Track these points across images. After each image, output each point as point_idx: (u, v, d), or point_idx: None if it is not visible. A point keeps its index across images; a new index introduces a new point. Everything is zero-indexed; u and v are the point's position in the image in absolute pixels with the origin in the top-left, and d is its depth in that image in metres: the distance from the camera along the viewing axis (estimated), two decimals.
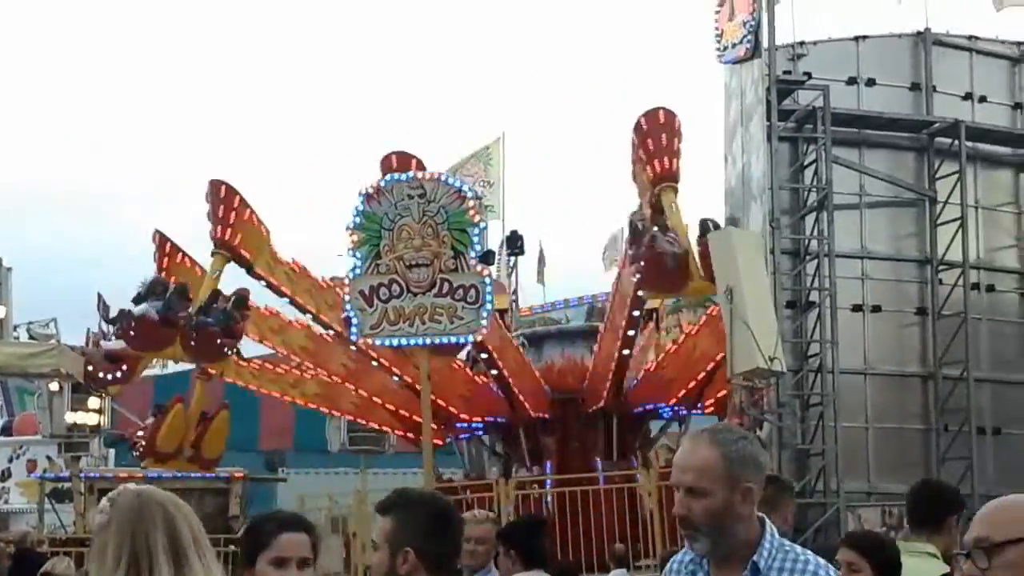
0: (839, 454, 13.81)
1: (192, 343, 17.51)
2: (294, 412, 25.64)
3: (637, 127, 16.41)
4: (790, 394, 14.00)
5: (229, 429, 19.90)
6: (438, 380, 18.55)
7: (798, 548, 3.48)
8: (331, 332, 19.63)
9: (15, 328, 23.44)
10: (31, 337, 24.14)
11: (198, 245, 19.66)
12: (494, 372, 18.48)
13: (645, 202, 16.43)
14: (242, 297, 18.09)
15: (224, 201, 17.89)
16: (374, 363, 18.77)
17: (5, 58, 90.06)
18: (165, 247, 19.96)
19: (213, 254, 17.78)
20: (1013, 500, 2.69)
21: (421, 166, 17.03)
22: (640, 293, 16.81)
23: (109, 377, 19.71)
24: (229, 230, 17.79)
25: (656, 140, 16.18)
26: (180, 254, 19.95)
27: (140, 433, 19.84)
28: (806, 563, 3.38)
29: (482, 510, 7.03)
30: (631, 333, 18.02)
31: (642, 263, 15.72)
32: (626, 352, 18.19)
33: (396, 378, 18.62)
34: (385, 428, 21.37)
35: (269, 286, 18.79)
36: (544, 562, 6.53)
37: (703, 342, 17.79)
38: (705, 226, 15.24)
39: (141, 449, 19.33)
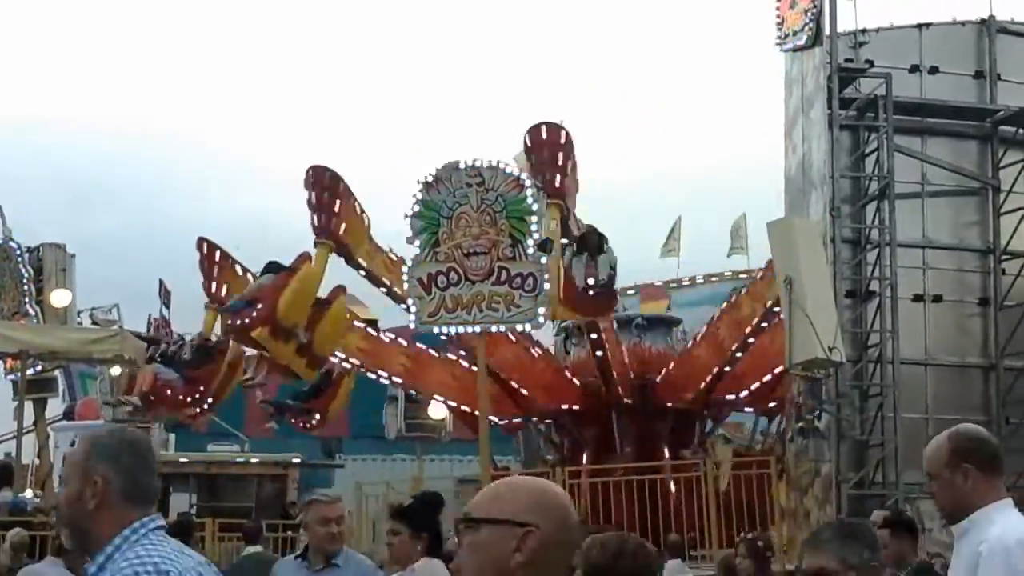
0: (899, 445, 13.68)
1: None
2: (351, 398, 25.75)
3: (525, 141, 16.22)
4: (849, 384, 13.89)
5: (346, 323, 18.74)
6: (520, 369, 18.66)
7: None
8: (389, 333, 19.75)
9: (78, 314, 23.71)
10: (94, 323, 24.42)
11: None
12: (598, 353, 18.46)
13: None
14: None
15: (329, 188, 17.47)
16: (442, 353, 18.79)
17: (71, 45, 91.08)
18: (213, 256, 19.66)
19: (316, 244, 17.29)
20: None
21: (570, 138, 16.85)
22: (763, 325, 16.87)
23: (187, 399, 19.71)
24: (334, 218, 17.47)
25: (540, 155, 16.03)
26: (230, 261, 19.64)
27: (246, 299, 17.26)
28: None
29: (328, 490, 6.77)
30: (751, 341, 17.98)
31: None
32: (739, 355, 18.21)
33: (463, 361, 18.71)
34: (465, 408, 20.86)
35: (368, 276, 18.67)
36: (441, 546, 6.24)
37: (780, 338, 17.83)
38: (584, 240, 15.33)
39: (251, 318, 16.61)
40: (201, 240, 19.36)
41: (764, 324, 17.16)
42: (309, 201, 17.44)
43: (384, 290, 18.99)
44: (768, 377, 18.34)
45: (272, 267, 17.36)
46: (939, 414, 14.46)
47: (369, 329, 19.34)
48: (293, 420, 21.48)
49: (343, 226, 17.57)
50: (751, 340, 17.76)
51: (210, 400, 19.83)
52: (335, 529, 6.41)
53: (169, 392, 19.16)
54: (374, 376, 20.14)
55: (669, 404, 19.35)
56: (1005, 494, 4.35)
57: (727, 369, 18.45)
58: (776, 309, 15.58)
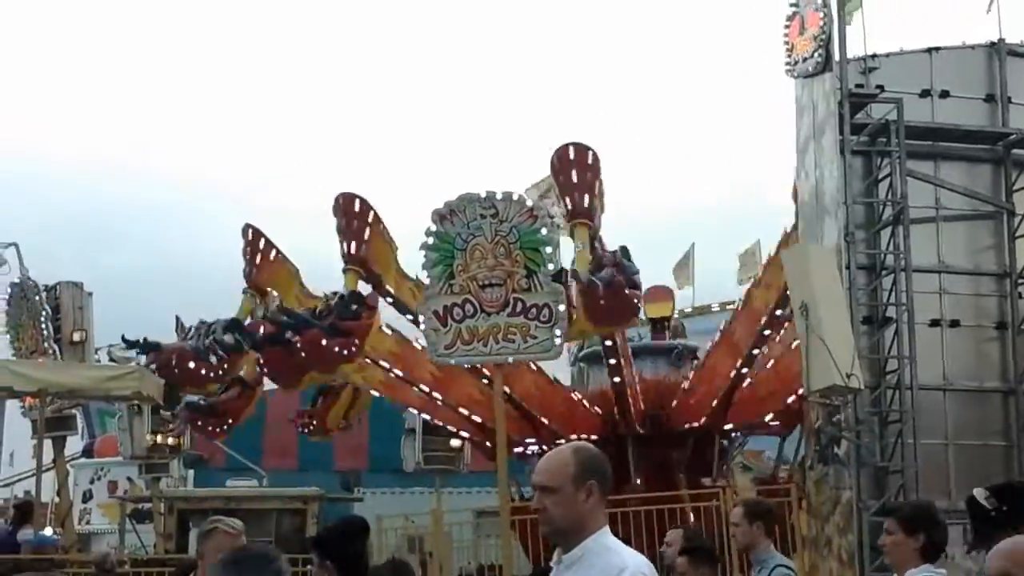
0: (919, 471, 13.62)
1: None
2: (368, 431, 25.79)
3: (552, 163, 16.24)
4: (868, 411, 13.84)
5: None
6: (540, 398, 18.64)
7: None
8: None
9: (96, 351, 23.77)
10: (111, 360, 24.49)
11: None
12: (616, 380, 18.49)
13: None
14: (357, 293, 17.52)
15: (358, 215, 17.62)
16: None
17: (82, 81, 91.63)
18: (258, 243, 19.67)
19: (345, 271, 17.46)
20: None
21: (597, 159, 16.85)
22: (779, 313, 16.78)
23: (210, 375, 19.83)
24: (363, 246, 17.56)
25: (567, 177, 16.04)
26: (273, 250, 19.71)
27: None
28: None
29: (233, 518, 6.32)
30: (755, 352, 17.96)
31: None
32: (744, 371, 18.17)
33: (486, 381, 18.67)
34: (453, 429, 20.94)
35: (395, 303, 18.69)
36: (364, 573, 5.92)
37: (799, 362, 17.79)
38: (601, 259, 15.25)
39: (311, 428, 21.41)
40: (248, 227, 19.55)
41: (779, 312, 17.00)
42: (338, 227, 17.58)
43: (410, 318, 19.02)
44: (791, 399, 18.30)
45: (233, 324, 17.65)
46: (959, 439, 14.41)
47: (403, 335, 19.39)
48: (201, 424, 21.07)
49: (372, 251, 17.70)
50: (767, 332, 17.64)
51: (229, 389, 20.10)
52: None
53: (193, 365, 18.80)
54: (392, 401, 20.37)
55: (685, 425, 19.26)
56: (606, 521, 4.28)
57: (745, 371, 18.29)
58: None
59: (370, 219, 17.70)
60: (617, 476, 17.56)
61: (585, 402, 20.02)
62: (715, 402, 18.68)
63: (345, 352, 17.19)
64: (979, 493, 5.22)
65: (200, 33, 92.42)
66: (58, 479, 22.17)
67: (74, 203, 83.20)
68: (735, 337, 18.66)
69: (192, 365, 18.83)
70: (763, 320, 17.49)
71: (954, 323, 14.67)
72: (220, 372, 19.60)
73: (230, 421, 20.76)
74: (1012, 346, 14.85)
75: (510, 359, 15.02)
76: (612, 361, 18.22)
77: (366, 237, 17.59)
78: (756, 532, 7.31)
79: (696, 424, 19.12)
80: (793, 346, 18.72)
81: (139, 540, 24.04)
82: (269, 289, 19.76)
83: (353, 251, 17.54)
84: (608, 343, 18.00)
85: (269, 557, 3.76)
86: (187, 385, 20.12)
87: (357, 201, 17.66)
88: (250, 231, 19.48)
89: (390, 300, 18.57)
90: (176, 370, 18.99)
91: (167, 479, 24.24)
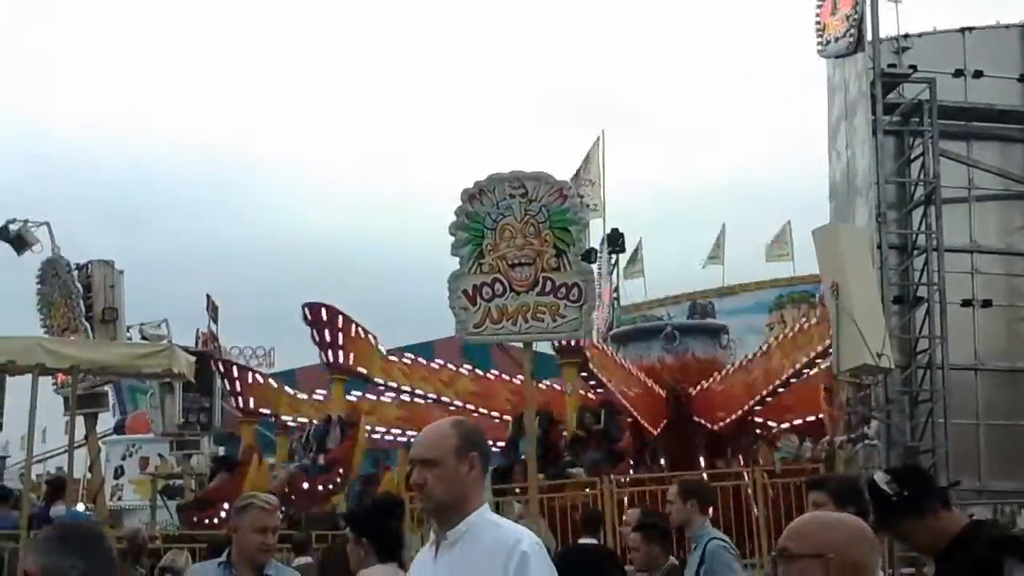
0: (949, 451, 13.59)
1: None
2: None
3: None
4: (899, 391, 13.81)
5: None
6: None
7: None
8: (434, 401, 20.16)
9: (128, 329, 23.92)
10: (143, 338, 24.63)
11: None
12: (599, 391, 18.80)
13: None
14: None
15: (328, 325, 18.32)
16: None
17: (120, 61, 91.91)
18: (336, 322, 19.23)
19: (332, 380, 18.49)
20: (811, 519, 3.00)
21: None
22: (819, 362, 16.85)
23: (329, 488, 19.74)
24: (340, 352, 18.28)
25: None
26: (353, 326, 19.47)
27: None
28: None
29: (270, 495, 6.18)
30: (804, 372, 17.97)
31: None
32: (794, 380, 18.19)
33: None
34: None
35: (388, 388, 19.32)
36: (397, 551, 5.77)
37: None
38: None
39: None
40: (317, 307, 18.90)
41: (819, 361, 17.07)
42: (313, 338, 18.35)
43: (407, 392, 19.61)
44: (813, 418, 18.32)
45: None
46: (989, 419, 14.37)
47: (403, 397, 19.93)
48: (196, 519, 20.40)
49: (352, 355, 18.45)
50: (804, 372, 17.71)
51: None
52: (271, 539, 5.84)
53: (306, 485, 18.80)
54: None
55: (706, 423, 19.34)
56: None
57: (769, 399, 18.40)
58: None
59: (340, 325, 18.41)
60: (640, 457, 17.66)
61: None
62: (740, 411, 18.83)
63: (331, 487, 18.54)
64: (880, 477, 5.11)
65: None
66: (90, 455, 22.32)
67: (109, 179, 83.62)
68: (773, 362, 18.67)
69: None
70: (803, 360, 17.57)
71: (986, 303, 14.60)
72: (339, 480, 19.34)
73: (340, 471, 20.54)
74: None
75: (540, 338, 15.04)
76: (592, 383, 18.57)
77: (341, 343, 18.32)
78: (690, 510, 7.25)
79: (728, 422, 19.19)
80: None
81: (170, 516, 24.23)
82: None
83: (334, 361, 18.38)
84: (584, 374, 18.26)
85: (95, 534, 3.69)
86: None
87: (324, 310, 18.39)
88: (322, 311, 18.74)
89: (382, 387, 19.19)
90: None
91: (198, 456, 24.39)
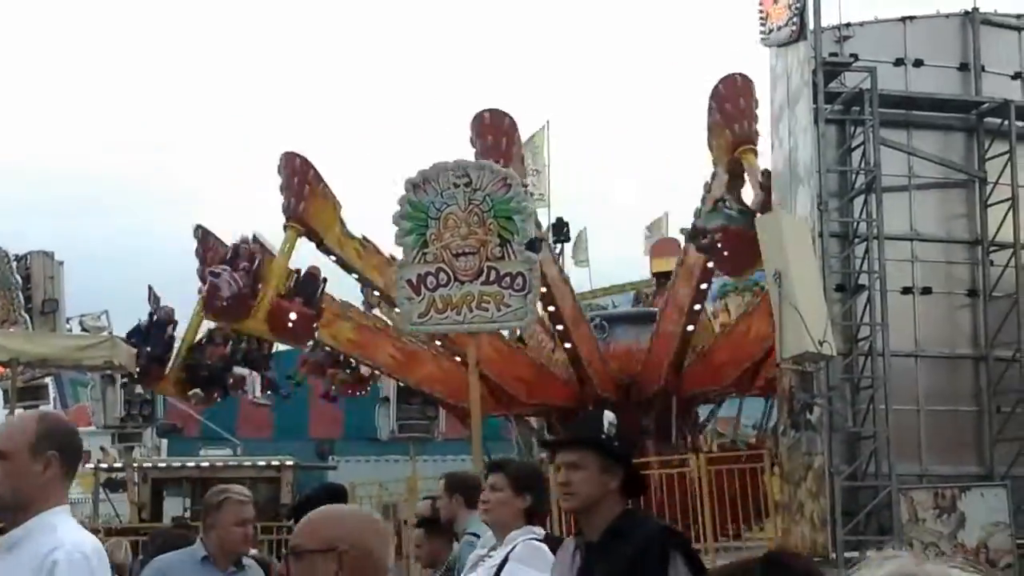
0: (891, 437, 13.72)
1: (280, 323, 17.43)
2: (343, 400, 25.74)
3: (715, 92, 17.05)
4: (840, 377, 13.92)
5: None
6: (499, 363, 18.64)
7: None
8: (380, 323, 19.73)
9: (67, 321, 23.67)
10: (83, 329, 24.39)
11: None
12: (567, 345, 18.56)
13: (722, 168, 16.76)
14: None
15: (298, 173, 18.00)
16: (436, 344, 18.68)
17: (60, 54, 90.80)
18: (306, 174, 19.23)
19: (285, 227, 17.87)
20: (319, 514, 3.17)
21: (514, 125, 17.38)
22: (710, 265, 17.04)
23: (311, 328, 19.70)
24: (302, 203, 17.85)
25: (734, 104, 16.75)
26: (321, 184, 19.49)
27: None
28: None
29: (240, 486, 6.25)
30: (696, 308, 18.10)
31: (718, 241, 16.03)
32: (690, 328, 18.26)
33: (458, 358, 18.54)
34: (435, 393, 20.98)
35: (338, 261, 18.85)
36: None
37: (757, 323, 17.82)
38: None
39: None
40: (292, 155, 18.69)
41: (710, 264, 17.38)
42: (280, 184, 17.84)
43: (356, 276, 19.18)
44: (747, 365, 18.42)
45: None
46: (930, 405, 14.52)
47: (362, 321, 19.45)
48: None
49: (311, 209, 17.98)
50: (696, 307, 17.86)
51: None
52: (251, 530, 6.05)
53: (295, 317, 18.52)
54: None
55: (651, 391, 19.33)
56: (67, 500, 3.85)
57: (691, 328, 18.38)
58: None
59: (310, 177, 18.01)
60: None
61: (552, 368, 19.98)
62: (667, 363, 18.72)
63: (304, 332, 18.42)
64: (609, 415, 5.03)
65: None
66: None
67: (50, 171, 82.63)
68: (679, 297, 18.74)
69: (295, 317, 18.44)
70: (698, 274, 17.70)
71: (926, 290, 14.75)
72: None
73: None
74: (983, 313, 14.96)
75: (484, 328, 15.03)
76: (559, 327, 18.25)
77: (304, 194, 17.88)
78: (456, 504, 7.14)
79: (659, 387, 19.13)
80: (751, 310, 18.91)
81: (113, 509, 24.03)
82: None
83: (292, 207, 17.85)
84: (552, 309, 18.02)
85: None
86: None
87: (298, 160, 18.02)
88: (296, 160, 18.53)
89: (333, 258, 18.73)
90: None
91: (140, 448, 24.21)
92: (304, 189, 17.93)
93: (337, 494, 6.18)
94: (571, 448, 4.81)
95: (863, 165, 14.39)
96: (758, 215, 15.05)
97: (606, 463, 4.66)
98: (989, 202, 15.14)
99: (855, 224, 14.37)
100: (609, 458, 4.68)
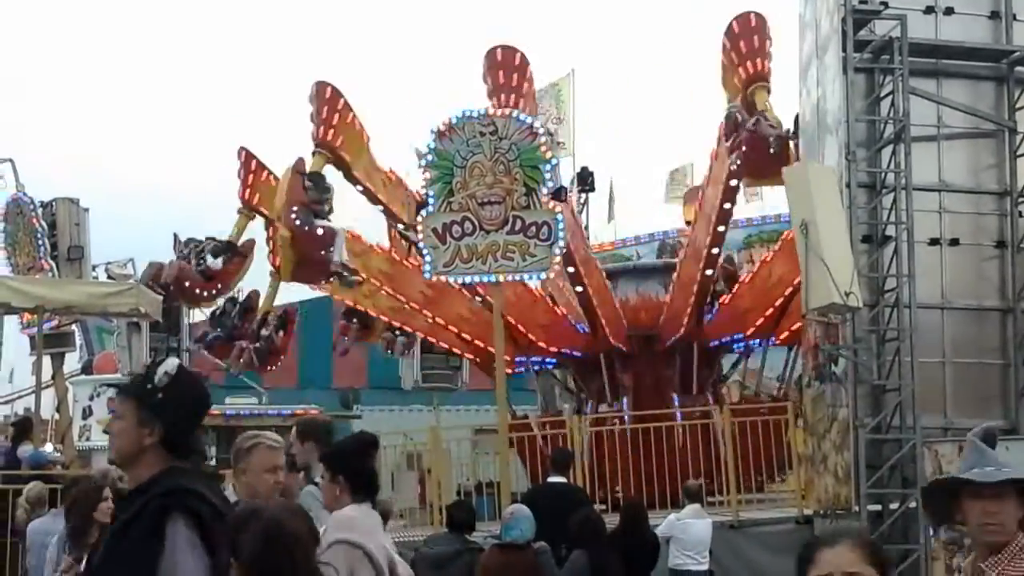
0: (916, 390, 13.64)
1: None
2: (368, 350, 25.83)
3: (728, 30, 17.04)
4: (866, 329, 13.84)
5: None
6: (519, 308, 18.65)
7: None
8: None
9: (93, 268, 23.75)
10: (109, 277, 24.49)
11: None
12: (579, 289, 18.53)
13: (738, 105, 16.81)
14: None
15: (328, 102, 18.42)
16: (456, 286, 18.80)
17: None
18: (251, 164, 20.90)
19: (314, 153, 18.19)
20: None
21: (525, 60, 17.63)
22: (733, 183, 17.06)
23: (204, 294, 21.19)
24: (332, 131, 18.27)
25: (748, 42, 16.77)
26: (265, 172, 20.72)
27: None
28: None
29: (274, 433, 6.19)
30: (715, 251, 18.02)
31: (743, 147, 16.05)
32: (709, 272, 18.22)
33: (479, 300, 18.53)
34: (455, 350, 21.65)
35: (365, 192, 19.07)
36: (372, 490, 5.83)
37: (779, 268, 17.74)
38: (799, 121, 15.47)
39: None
40: (242, 149, 20.85)
41: (726, 204, 17.51)
42: (311, 113, 18.25)
43: (381, 208, 19.34)
44: (770, 312, 18.37)
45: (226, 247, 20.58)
46: (956, 358, 14.43)
47: (394, 254, 19.67)
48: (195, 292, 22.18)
49: (340, 138, 18.28)
50: (720, 229, 17.87)
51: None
52: (282, 476, 5.89)
53: (188, 284, 21.31)
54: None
55: (667, 347, 19.29)
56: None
57: (709, 272, 18.33)
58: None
59: (340, 106, 18.26)
60: (611, 394, 17.79)
61: (570, 317, 19.93)
62: (689, 310, 18.64)
63: (205, 293, 21.26)
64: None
65: None
66: (57, 396, 22.24)
67: (72, 119, 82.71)
68: (697, 243, 18.67)
69: (188, 284, 20.40)
70: (714, 217, 17.63)
71: (953, 242, 14.62)
72: (215, 292, 21.08)
73: (219, 286, 21.92)
74: (1011, 265, 14.81)
75: (509, 277, 15.02)
76: (571, 269, 18.17)
77: (334, 123, 18.21)
78: (309, 451, 7.06)
79: (679, 337, 19.06)
80: (769, 257, 18.84)
81: None
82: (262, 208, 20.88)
83: (322, 135, 18.16)
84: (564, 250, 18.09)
85: None
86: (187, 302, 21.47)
87: (329, 89, 18.38)
88: (243, 153, 20.49)
89: (360, 188, 18.91)
90: (174, 288, 20.43)
91: None
92: (334, 117, 18.26)
93: (369, 443, 6.11)
94: (117, 396, 4.51)
95: (892, 114, 14.23)
96: (784, 168, 14.92)
97: (144, 416, 4.27)
98: (1018, 152, 14.96)
99: (883, 174, 14.24)
100: (147, 411, 4.27)
